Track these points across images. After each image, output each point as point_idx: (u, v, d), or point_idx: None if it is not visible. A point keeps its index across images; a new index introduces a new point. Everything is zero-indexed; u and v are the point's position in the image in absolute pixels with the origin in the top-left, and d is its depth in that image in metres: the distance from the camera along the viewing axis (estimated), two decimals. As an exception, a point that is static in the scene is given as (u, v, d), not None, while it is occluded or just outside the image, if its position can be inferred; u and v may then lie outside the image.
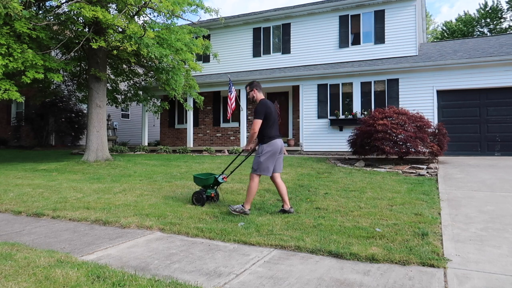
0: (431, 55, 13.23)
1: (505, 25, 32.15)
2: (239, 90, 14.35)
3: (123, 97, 14.50)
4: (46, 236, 4.15)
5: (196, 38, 12.57)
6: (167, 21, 11.70)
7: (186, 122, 16.45)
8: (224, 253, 3.48)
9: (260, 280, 2.84)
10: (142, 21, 11.31)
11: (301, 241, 3.67)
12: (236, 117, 15.57)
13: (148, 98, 14.11)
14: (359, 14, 14.16)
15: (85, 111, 17.92)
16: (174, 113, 17.54)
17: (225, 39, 16.48)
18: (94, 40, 9.59)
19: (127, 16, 10.14)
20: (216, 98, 16.60)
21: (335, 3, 14.22)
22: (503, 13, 31.82)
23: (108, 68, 13.27)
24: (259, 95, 5.01)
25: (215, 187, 5.56)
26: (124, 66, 14.15)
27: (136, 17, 10.91)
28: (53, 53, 11.65)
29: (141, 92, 14.46)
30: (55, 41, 10.46)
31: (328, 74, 13.41)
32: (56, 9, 11.23)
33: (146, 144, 16.36)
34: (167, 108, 14.59)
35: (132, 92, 14.50)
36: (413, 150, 8.78)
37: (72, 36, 11.39)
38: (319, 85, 13.68)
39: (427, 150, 9.04)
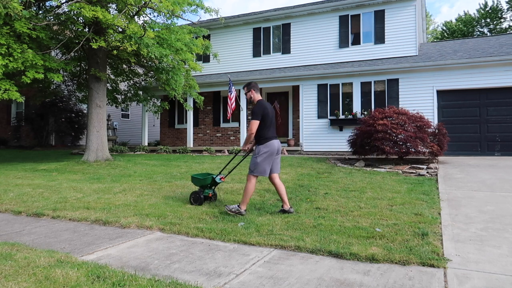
0: (431, 55, 13.23)
1: (505, 25, 32.18)
2: (239, 90, 14.35)
3: (123, 97, 14.50)
4: (46, 236, 4.15)
5: (196, 38, 12.57)
6: (167, 21, 11.71)
7: (186, 122, 16.45)
8: (224, 253, 3.48)
9: (260, 280, 2.84)
10: (142, 21, 11.32)
11: (301, 241, 3.67)
12: (236, 117, 15.57)
13: (148, 98, 14.11)
14: (359, 14, 14.17)
15: (85, 111, 17.93)
16: (174, 113, 17.54)
17: (225, 39, 16.48)
18: (94, 40, 9.59)
19: (127, 16, 10.14)
20: (216, 98, 16.60)
21: (335, 3, 14.23)
22: (503, 13, 31.83)
23: (108, 68, 13.27)
24: (257, 96, 5.01)
25: (213, 187, 5.57)
26: (124, 66, 14.15)
27: (136, 17, 10.92)
28: (53, 53, 11.66)
29: (141, 92, 14.47)
30: (55, 41, 10.46)
31: (328, 74, 13.41)
32: (56, 9, 11.23)
33: (146, 144, 16.36)
34: (167, 108, 14.59)
35: (132, 92, 14.50)
36: (413, 150, 8.78)
37: (72, 36, 11.39)
38: (319, 85, 13.69)
39: (427, 150, 9.03)
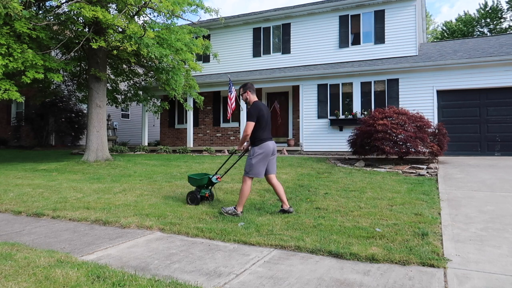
0: (431, 55, 13.23)
1: (505, 25, 32.18)
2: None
3: (123, 97, 14.50)
4: (46, 236, 4.15)
5: (196, 38, 12.57)
6: (167, 21, 11.71)
7: (186, 122, 16.45)
8: (224, 253, 3.48)
9: (260, 280, 2.84)
10: (142, 21, 11.32)
11: (301, 241, 3.67)
12: (236, 117, 15.57)
13: (148, 98, 14.11)
14: (359, 14, 14.17)
15: (85, 111, 17.93)
16: (174, 113, 17.54)
17: (225, 39, 16.48)
18: (94, 40, 9.59)
19: (127, 16, 10.14)
20: (216, 98, 16.60)
21: (335, 3, 14.23)
22: (503, 13, 31.83)
23: (108, 68, 13.27)
24: (252, 97, 5.00)
25: (210, 187, 5.58)
26: (124, 66, 14.15)
27: (136, 17, 10.92)
28: (53, 53, 11.66)
29: (141, 92, 14.47)
30: (55, 41, 10.46)
31: (328, 74, 13.41)
32: (56, 9, 11.23)
33: (146, 144, 16.36)
34: (167, 108, 14.59)
35: (132, 92, 14.50)
36: (413, 150, 8.78)
37: (72, 36, 11.39)
38: (319, 85, 13.69)
39: (427, 150, 9.04)
